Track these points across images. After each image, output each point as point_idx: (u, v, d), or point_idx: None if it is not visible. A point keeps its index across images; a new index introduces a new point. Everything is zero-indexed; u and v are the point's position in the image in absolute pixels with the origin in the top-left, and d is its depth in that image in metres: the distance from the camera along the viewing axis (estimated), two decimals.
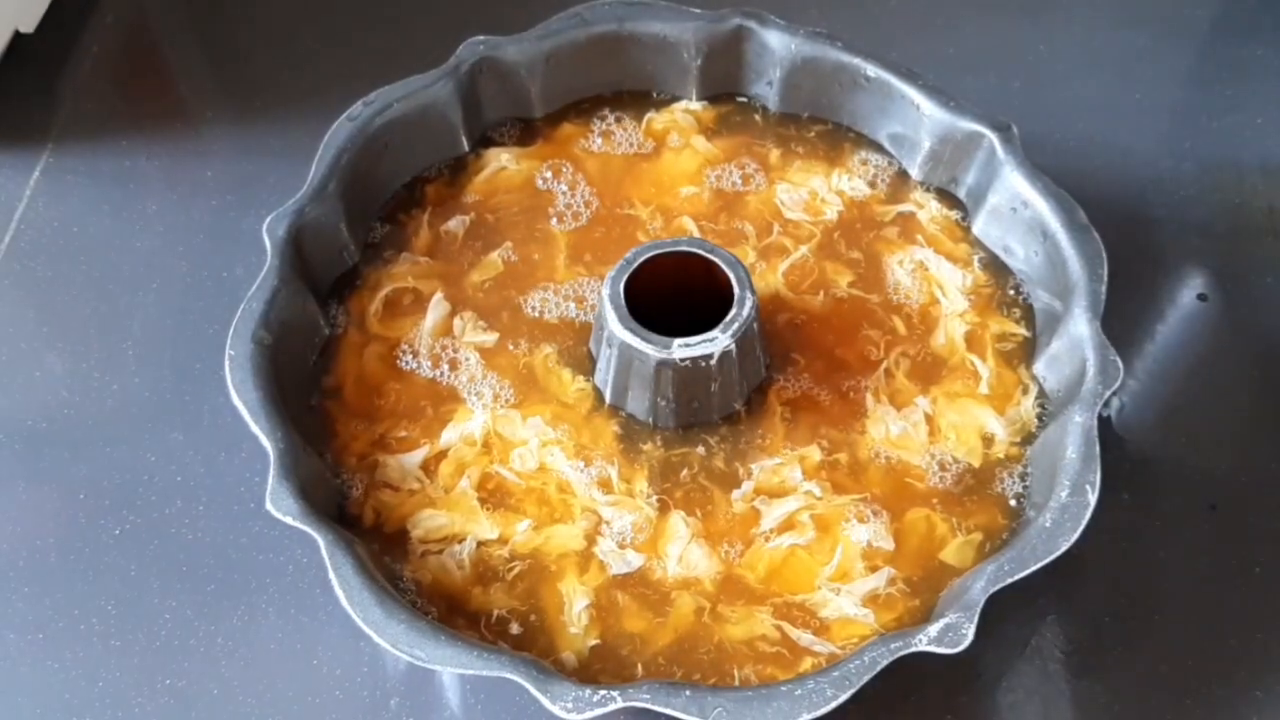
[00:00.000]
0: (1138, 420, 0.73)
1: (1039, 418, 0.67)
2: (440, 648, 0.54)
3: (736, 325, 0.63)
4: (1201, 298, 0.78)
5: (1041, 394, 0.68)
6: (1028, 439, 0.66)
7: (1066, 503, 0.58)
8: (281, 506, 0.58)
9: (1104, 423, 0.68)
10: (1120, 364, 0.63)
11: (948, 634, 0.55)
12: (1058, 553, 0.57)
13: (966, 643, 0.54)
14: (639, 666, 0.60)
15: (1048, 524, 0.58)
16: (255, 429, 0.60)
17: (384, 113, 0.72)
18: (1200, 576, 0.67)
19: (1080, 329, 0.64)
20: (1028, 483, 0.65)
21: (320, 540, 0.57)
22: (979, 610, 0.55)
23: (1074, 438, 0.60)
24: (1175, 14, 0.95)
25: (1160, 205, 0.82)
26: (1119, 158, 0.85)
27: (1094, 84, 0.90)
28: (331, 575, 0.56)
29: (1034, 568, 0.57)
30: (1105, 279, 0.66)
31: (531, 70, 0.76)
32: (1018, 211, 0.71)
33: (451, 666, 0.54)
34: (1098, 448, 0.60)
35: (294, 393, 0.66)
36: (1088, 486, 0.59)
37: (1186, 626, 0.65)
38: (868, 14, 0.94)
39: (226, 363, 0.62)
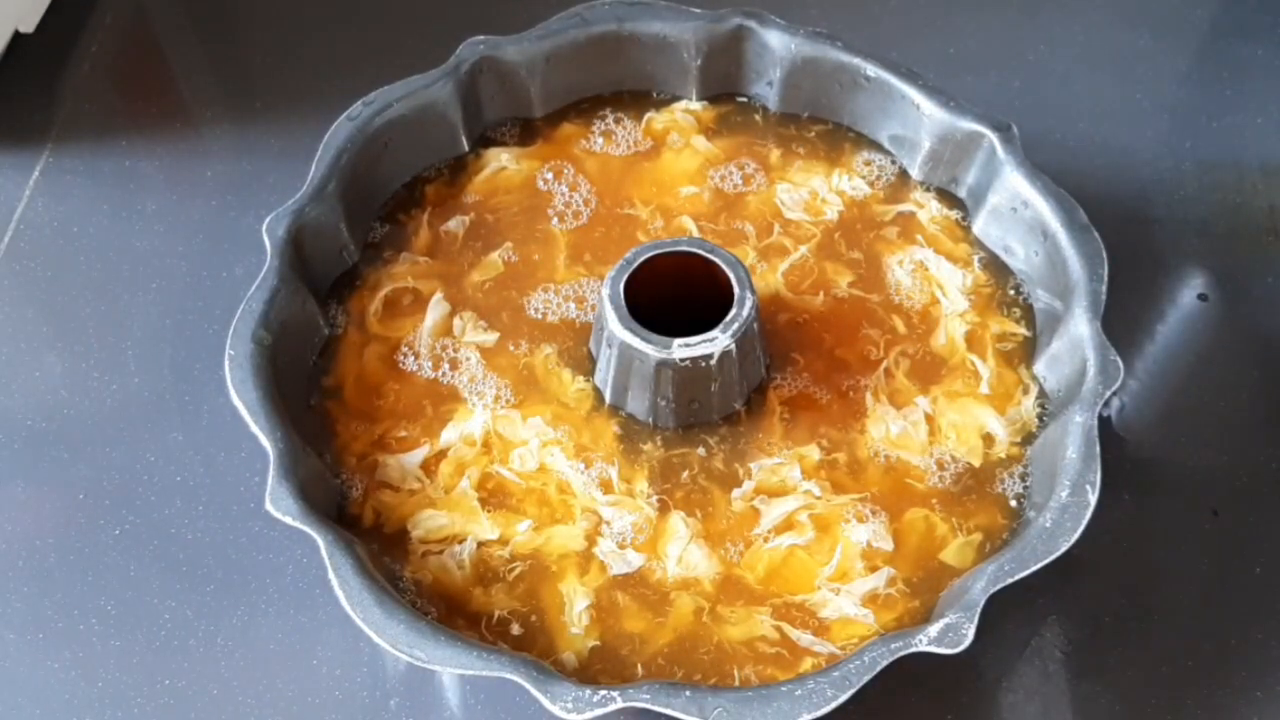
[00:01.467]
0: (1138, 420, 0.73)
1: (1039, 418, 0.67)
2: (440, 648, 0.54)
3: (736, 325, 0.63)
4: (1202, 298, 0.78)
5: (1042, 394, 0.68)
6: (1028, 439, 0.66)
7: (1066, 503, 0.58)
8: (281, 506, 0.58)
9: (1104, 423, 0.68)
10: (1120, 364, 0.63)
11: (948, 634, 0.55)
12: (1058, 553, 0.57)
13: (966, 643, 0.54)
14: (639, 667, 0.60)
15: (1048, 524, 0.58)
16: (255, 429, 0.60)
17: (384, 113, 0.72)
18: (1200, 576, 0.67)
19: (1080, 329, 0.64)
20: (1028, 483, 0.65)
21: (320, 540, 0.57)
22: (979, 610, 0.55)
23: (1074, 438, 0.60)
24: (1175, 14, 0.95)
25: (1160, 205, 0.82)
26: (1119, 158, 0.85)
27: (1094, 84, 0.90)
28: (331, 575, 0.56)
29: (1034, 568, 0.57)
30: (1105, 279, 0.66)
31: (531, 70, 0.76)
32: (1018, 211, 0.71)
33: (451, 667, 0.54)
34: (1098, 448, 0.60)
35: (294, 393, 0.66)
36: (1088, 486, 0.59)
37: (1186, 627, 0.65)
38: (868, 14, 0.94)
39: (226, 363, 0.62)
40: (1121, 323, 0.69)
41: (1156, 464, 0.71)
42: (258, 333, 0.63)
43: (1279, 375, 0.74)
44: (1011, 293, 0.72)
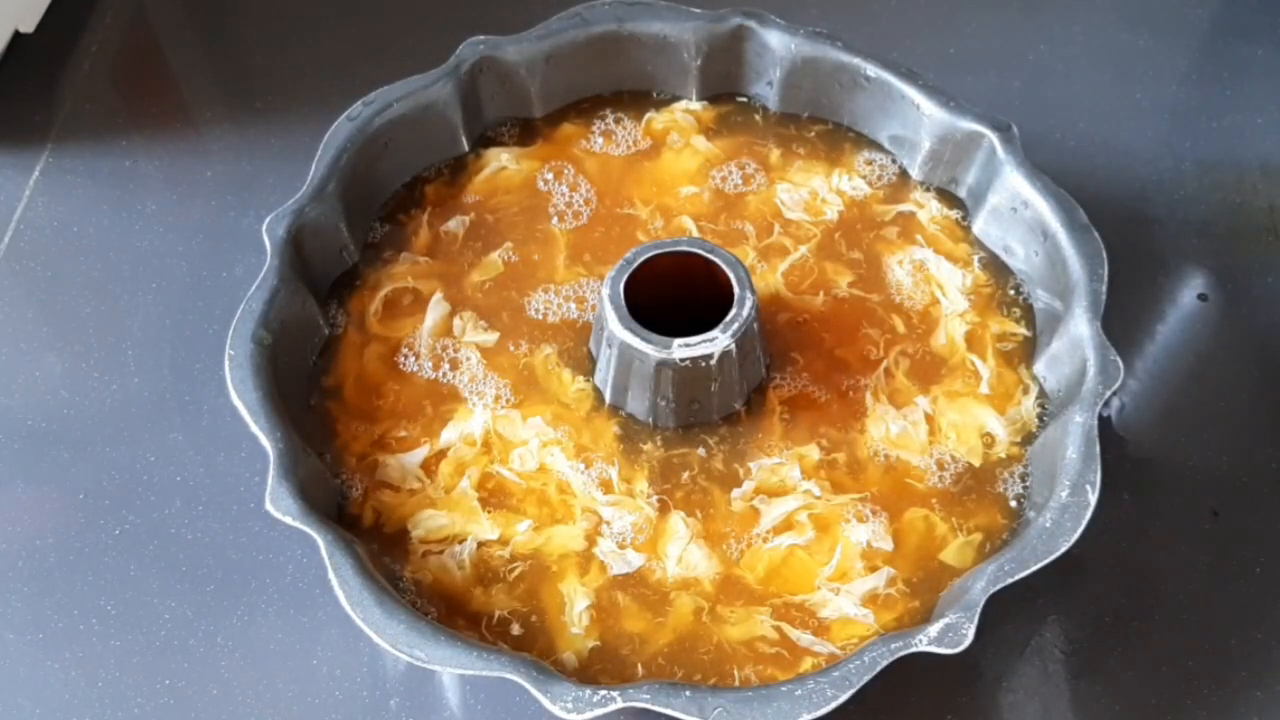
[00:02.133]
0: (1138, 420, 0.73)
1: (1039, 418, 0.67)
2: (440, 648, 0.54)
3: (736, 325, 0.63)
4: (1202, 298, 0.78)
5: (1042, 394, 0.68)
6: (1028, 439, 0.66)
7: (1066, 503, 0.58)
8: (281, 506, 0.58)
9: (1104, 423, 0.68)
10: (1120, 364, 0.63)
11: (948, 634, 0.55)
12: (1058, 553, 0.57)
13: (966, 643, 0.54)
14: (639, 667, 0.60)
15: (1048, 524, 0.58)
16: (255, 429, 0.60)
17: (384, 113, 0.72)
18: (1200, 576, 0.67)
19: (1080, 329, 0.64)
20: (1028, 483, 0.65)
21: (320, 540, 0.57)
22: (979, 610, 0.55)
23: (1074, 438, 0.60)
24: (1175, 14, 0.95)
25: (1160, 205, 0.82)
26: (1119, 158, 0.85)
27: (1094, 84, 0.90)
28: (331, 575, 0.56)
29: (1034, 568, 0.56)
30: (1105, 279, 0.66)
31: (531, 70, 0.76)
32: (1018, 211, 0.71)
33: (451, 667, 0.54)
34: (1098, 448, 0.60)
35: (294, 393, 0.66)
36: (1088, 487, 0.59)
37: (1186, 626, 0.65)
38: (868, 14, 0.94)
39: (226, 363, 0.62)
40: (1121, 323, 0.69)
41: (1156, 464, 0.71)
42: (258, 333, 0.63)
43: (1279, 375, 0.75)
44: (1011, 293, 0.72)
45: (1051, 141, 0.85)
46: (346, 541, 0.58)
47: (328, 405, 0.68)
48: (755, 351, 0.66)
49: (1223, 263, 0.79)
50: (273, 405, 0.61)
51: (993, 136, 0.71)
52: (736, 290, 0.64)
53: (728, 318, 0.63)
